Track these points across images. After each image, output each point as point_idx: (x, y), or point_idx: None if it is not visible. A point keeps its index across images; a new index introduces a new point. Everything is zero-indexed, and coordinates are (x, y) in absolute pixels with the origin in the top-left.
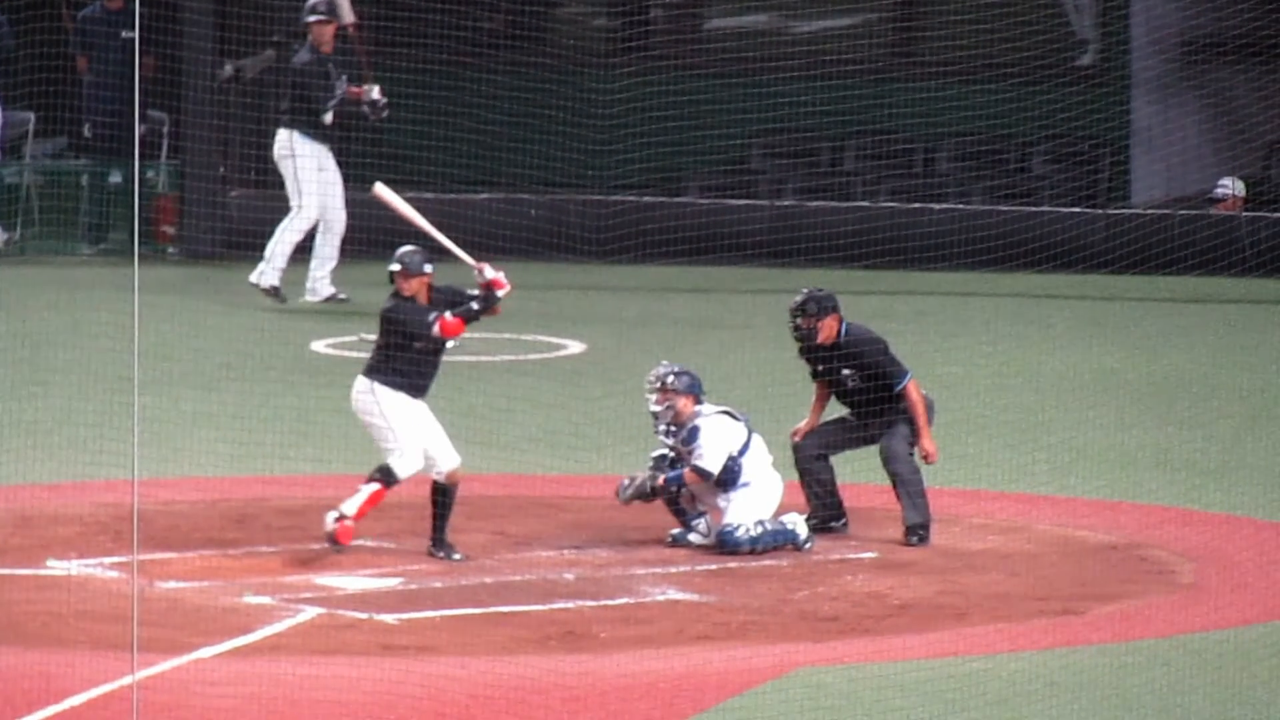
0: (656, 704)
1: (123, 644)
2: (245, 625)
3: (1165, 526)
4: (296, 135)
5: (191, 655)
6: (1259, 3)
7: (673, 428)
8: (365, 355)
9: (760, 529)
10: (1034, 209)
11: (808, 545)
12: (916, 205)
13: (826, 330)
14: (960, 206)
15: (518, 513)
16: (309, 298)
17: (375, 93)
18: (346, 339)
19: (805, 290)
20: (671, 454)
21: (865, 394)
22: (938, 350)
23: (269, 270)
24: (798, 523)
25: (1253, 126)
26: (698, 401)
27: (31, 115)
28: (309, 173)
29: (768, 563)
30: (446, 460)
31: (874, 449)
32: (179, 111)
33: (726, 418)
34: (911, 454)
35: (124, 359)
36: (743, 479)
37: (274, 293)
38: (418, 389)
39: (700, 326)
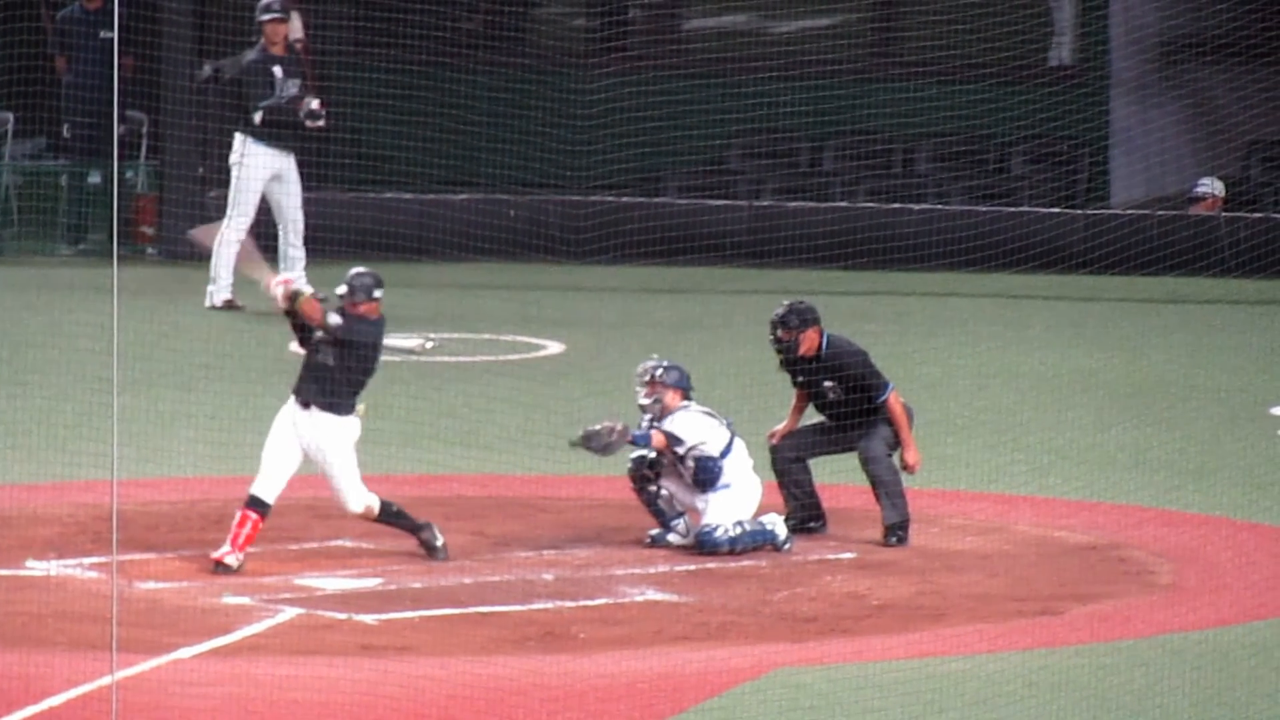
0: (635, 705)
1: (102, 644)
2: (224, 626)
3: (1144, 527)
4: (249, 141)
5: (171, 656)
6: (1237, 3)
7: (656, 421)
8: None
9: (739, 529)
10: (1013, 209)
11: (787, 546)
12: (895, 205)
13: (808, 343)
14: (939, 207)
15: (497, 513)
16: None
17: (314, 104)
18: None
19: (786, 303)
20: (650, 454)
21: (846, 405)
22: (916, 351)
23: (216, 289)
24: (777, 523)
25: (1231, 127)
26: (685, 397)
27: (10, 115)
28: (247, 182)
29: (746, 563)
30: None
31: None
32: (158, 112)
33: (709, 417)
34: (890, 455)
35: (103, 359)
36: (723, 480)
37: (229, 306)
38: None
39: (679, 327)
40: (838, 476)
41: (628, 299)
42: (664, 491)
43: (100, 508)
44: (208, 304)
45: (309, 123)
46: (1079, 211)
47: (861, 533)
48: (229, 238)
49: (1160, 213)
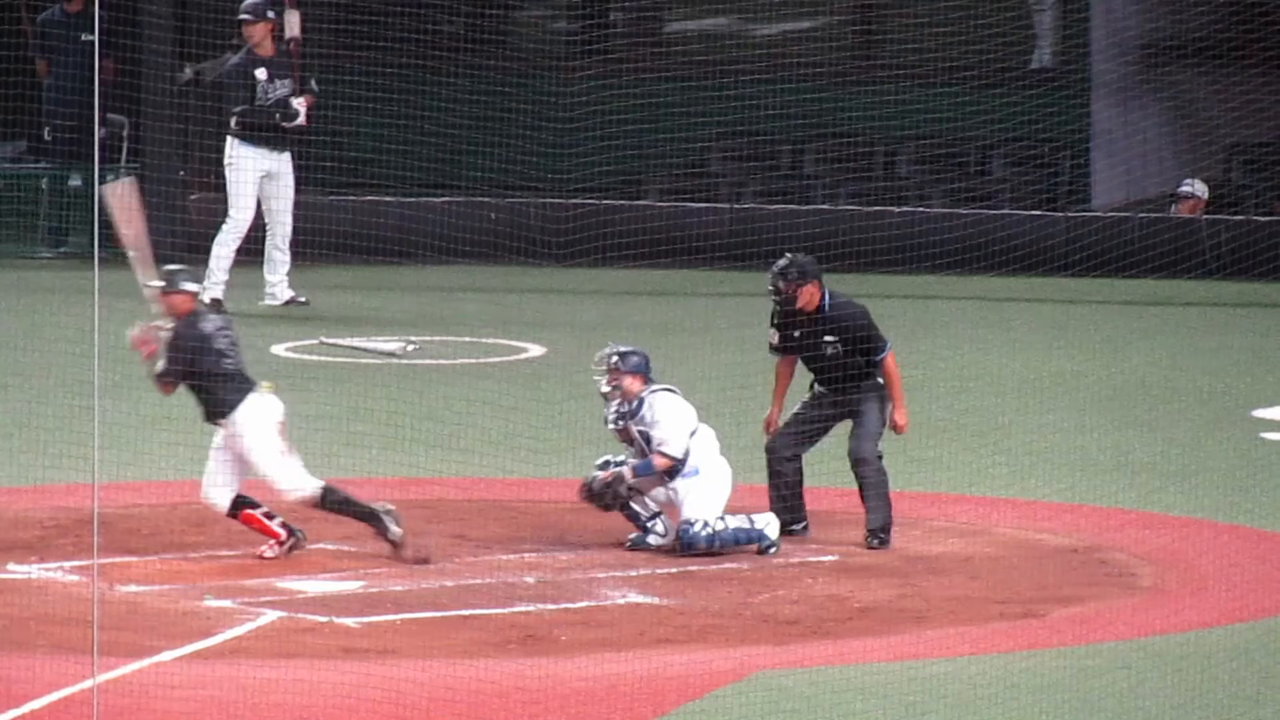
0: (617, 707)
1: (83, 648)
2: (206, 629)
3: (1126, 529)
4: (235, 142)
5: (152, 659)
6: (1218, 5)
7: (624, 407)
8: (326, 359)
9: (721, 524)
10: (994, 212)
11: (772, 550)
12: (877, 208)
13: (806, 296)
14: (920, 209)
15: (478, 516)
16: (269, 302)
17: (296, 103)
18: (306, 342)
19: (787, 255)
20: (618, 459)
21: (842, 363)
22: (898, 353)
23: (210, 285)
24: (770, 524)
25: (1213, 129)
26: (646, 382)
27: None
28: (241, 184)
29: (728, 566)
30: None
31: (843, 438)
32: (139, 115)
33: (676, 396)
34: (880, 456)
35: (84, 362)
36: (689, 465)
37: (216, 305)
38: None
39: (660, 330)
40: (820, 479)
41: (609, 302)
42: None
43: (81, 511)
44: (207, 299)
45: (284, 124)
46: (1060, 214)
47: (843, 535)
48: (224, 238)
49: (1141, 215)
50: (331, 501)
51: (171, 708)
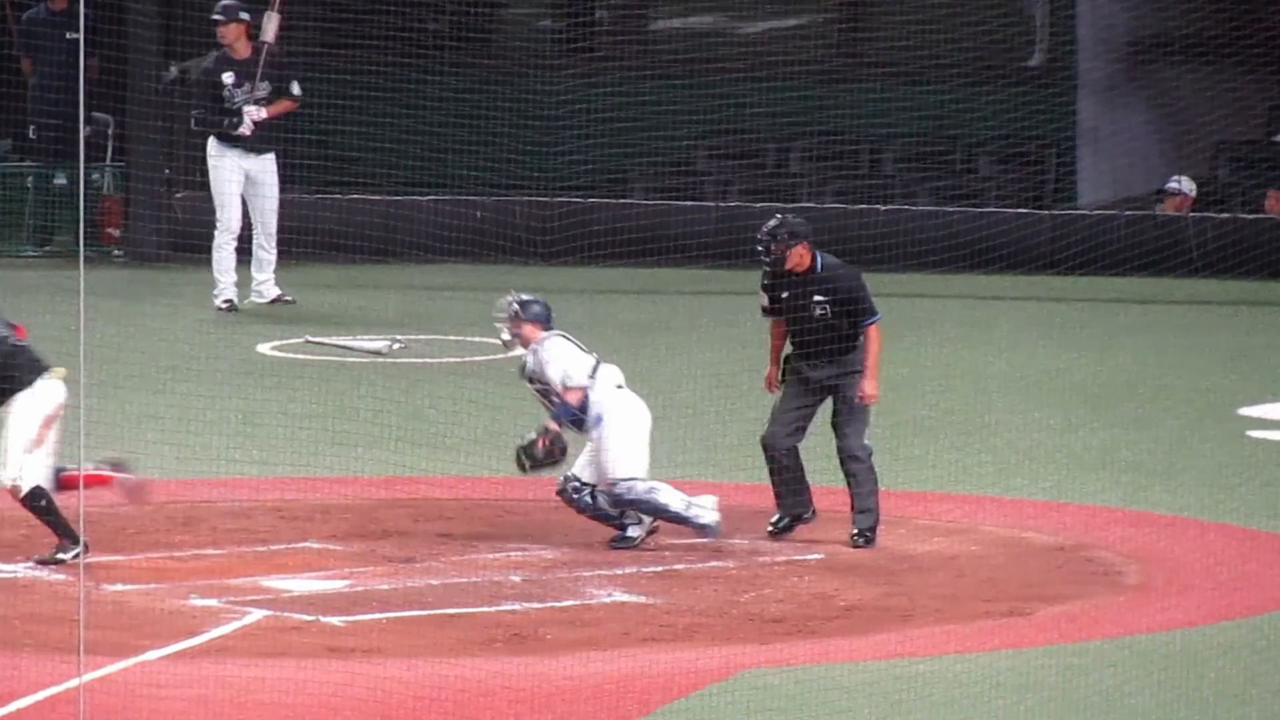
0: (602, 706)
1: (69, 647)
2: (191, 628)
3: (1112, 527)
4: (214, 144)
5: (138, 658)
6: (1205, 3)
7: (528, 360)
8: (311, 357)
9: (650, 491)
10: (980, 210)
11: (710, 533)
12: (862, 206)
13: (796, 258)
14: (906, 208)
15: (463, 514)
16: (255, 300)
17: (253, 110)
18: (292, 341)
19: (777, 215)
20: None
21: (830, 327)
22: (883, 352)
23: (218, 292)
24: (708, 508)
25: (1199, 127)
26: (546, 330)
27: None
28: (222, 185)
29: (713, 564)
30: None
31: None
32: (124, 114)
33: (571, 343)
34: (871, 455)
35: (69, 361)
36: (592, 413)
37: (230, 307)
38: None
39: (646, 328)
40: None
41: (594, 300)
42: (593, 492)
43: (67, 510)
44: (216, 308)
45: (229, 131)
46: (1046, 212)
47: (829, 533)
48: (218, 240)
49: (1128, 213)
50: (35, 504)
51: (158, 707)
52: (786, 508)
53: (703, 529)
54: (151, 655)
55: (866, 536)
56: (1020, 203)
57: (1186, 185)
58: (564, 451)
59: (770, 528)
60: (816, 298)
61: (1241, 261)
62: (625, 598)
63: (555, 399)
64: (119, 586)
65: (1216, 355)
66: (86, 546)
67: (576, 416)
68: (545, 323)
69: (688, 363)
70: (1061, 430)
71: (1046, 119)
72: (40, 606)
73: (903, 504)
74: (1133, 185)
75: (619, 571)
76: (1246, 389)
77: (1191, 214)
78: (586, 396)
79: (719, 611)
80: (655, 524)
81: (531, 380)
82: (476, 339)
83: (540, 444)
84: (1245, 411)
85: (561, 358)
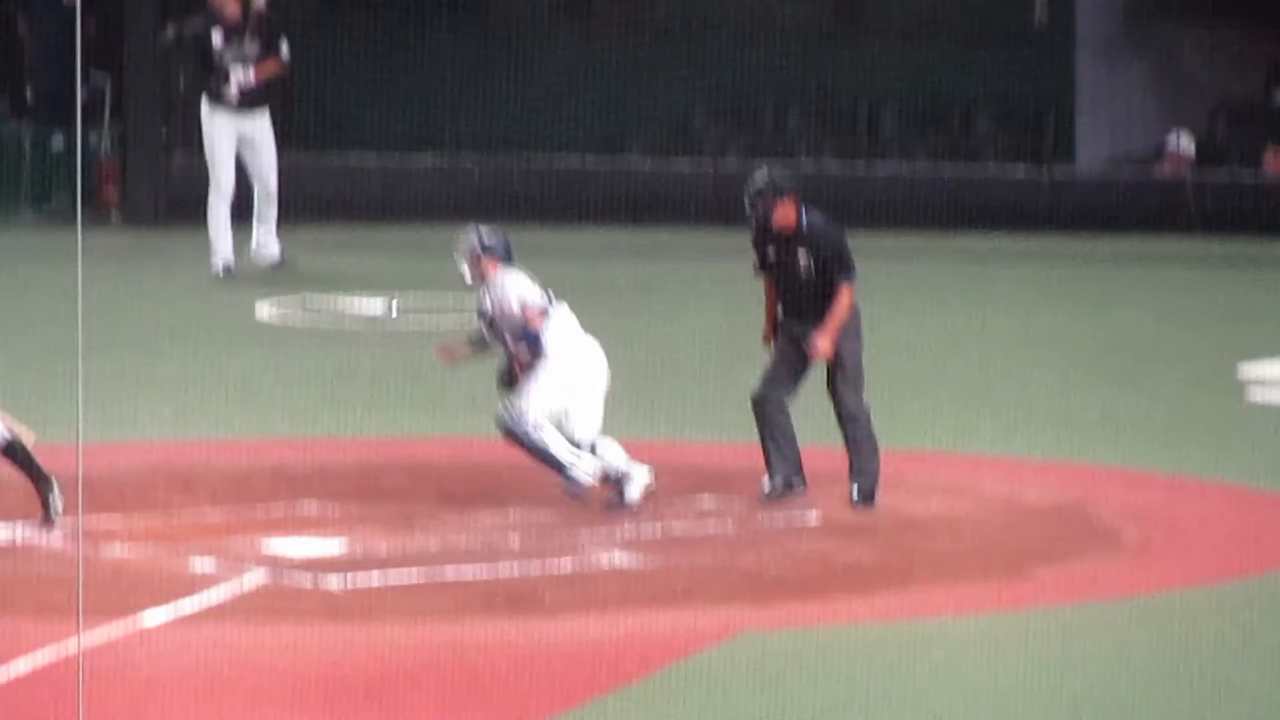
0: (602, 668)
1: (67, 609)
2: (190, 589)
3: (1111, 488)
4: (207, 106)
5: (137, 620)
6: None
7: (485, 300)
8: (308, 319)
9: (536, 428)
10: (979, 170)
11: (578, 488)
12: (860, 166)
13: (783, 213)
14: (904, 167)
15: (462, 476)
16: (256, 260)
17: (240, 74)
18: (289, 303)
19: (764, 169)
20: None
21: (815, 283)
22: (882, 312)
23: (214, 256)
24: (636, 476)
25: (1198, 87)
26: (504, 266)
27: None
28: (215, 148)
29: (712, 526)
30: None
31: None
32: (121, 75)
33: (528, 278)
34: (868, 414)
35: (67, 323)
36: (544, 349)
37: (227, 271)
38: None
39: (643, 289)
40: (804, 438)
41: (591, 262)
42: (539, 431)
43: (65, 472)
44: (212, 273)
45: (216, 93)
46: (1045, 172)
47: (827, 494)
48: (211, 202)
49: (1127, 173)
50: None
51: (156, 669)
52: (777, 471)
53: (571, 485)
54: (150, 618)
55: (866, 497)
56: (1019, 162)
57: (1185, 143)
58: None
59: (765, 495)
60: (801, 254)
61: (1241, 220)
62: (624, 559)
63: (509, 340)
64: (117, 548)
65: (1216, 314)
66: (51, 482)
67: (536, 341)
68: (506, 258)
69: (686, 323)
70: (1060, 390)
71: (1045, 78)
72: (38, 568)
73: (902, 464)
74: (1131, 144)
75: (618, 533)
76: (1246, 348)
77: (1191, 172)
78: (545, 321)
79: (718, 572)
80: (601, 476)
81: (491, 323)
82: (473, 300)
83: (514, 373)
84: (1245, 371)
85: (520, 286)
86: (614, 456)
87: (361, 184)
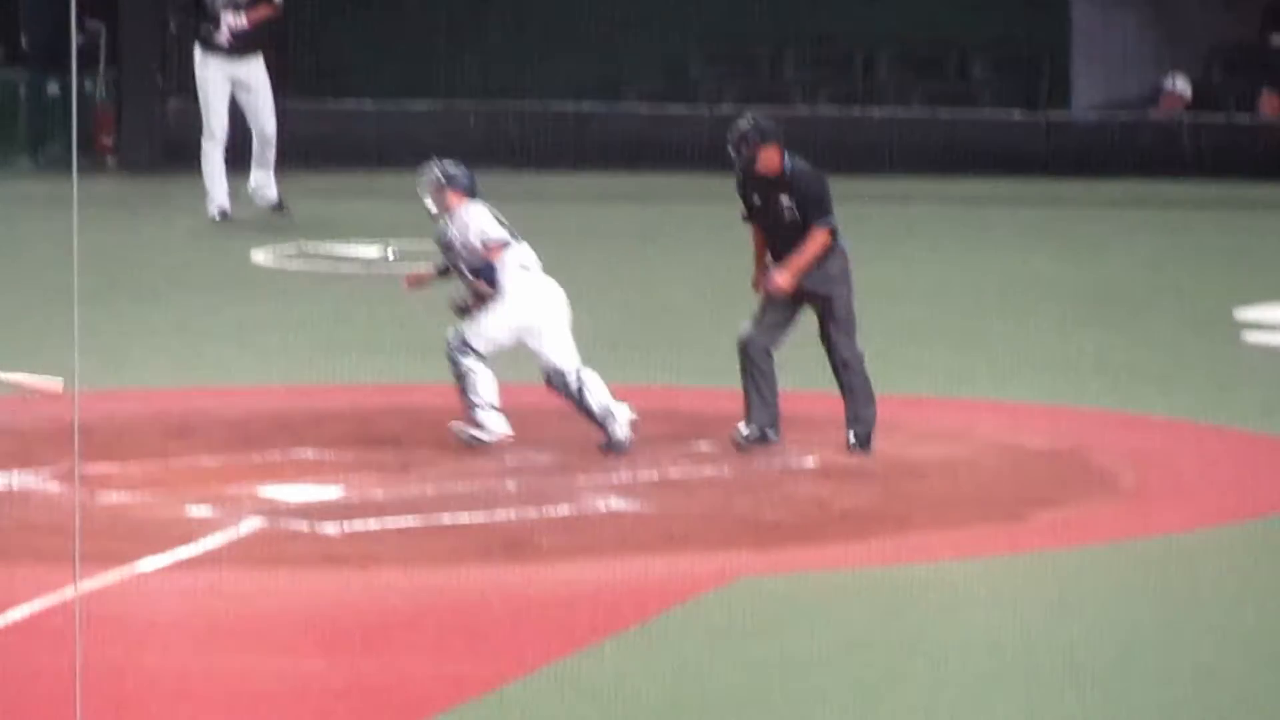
0: (599, 613)
1: (64, 556)
2: (187, 537)
3: (1107, 432)
4: (199, 52)
5: (133, 567)
6: None
7: (446, 228)
8: (305, 265)
9: (469, 370)
10: (974, 114)
11: (478, 441)
12: (856, 110)
13: (766, 158)
14: (900, 111)
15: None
16: (256, 201)
17: (230, 18)
18: (286, 249)
19: (748, 115)
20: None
21: (800, 230)
22: (877, 257)
23: (209, 202)
24: (498, 425)
25: (1194, 30)
26: (468, 199)
27: None
28: (208, 94)
29: (709, 471)
30: None
31: (816, 338)
32: (116, 21)
33: (491, 212)
34: (862, 360)
35: (63, 271)
36: (498, 284)
37: (223, 216)
38: None
39: (640, 235)
40: (803, 382)
41: (588, 207)
42: (470, 366)
43: (62, 419)
44: (208, 218)
45: (206, 39)
46: (1041, 116)
47: (824, 438)
48: (205, 149)
49: (1122, 116)
50: None
51: (153, 616)
52: (754, 419)
53: (474, 431)
54: (147, 564)
55: (863, 443)
56: (1015, 106)
57: (1181, 85)
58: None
59: (739, 440)
60: (784, 200)
61: (1237, 163)
62: (621, 504)
63: (468, 272)
64: (114, 495)
65: (1212, 258)
66: None
67: (493, 273)
68: (469, 192)
69: (682, 268)
70: (1057, 335)
71: (1041, 22)
72: (35, 516)
73: (898, 409)
74: (1127, 88)
75: (614, 478)
76: (1242, 292)
77: (1186, 116)
78: (504, 254)
79: (715, 518)
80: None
81: (449, 248)
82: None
83: (471, 302)
84: (1241, 314)
85: (480, 219)
86: (598, 393)
87: (358, 130)
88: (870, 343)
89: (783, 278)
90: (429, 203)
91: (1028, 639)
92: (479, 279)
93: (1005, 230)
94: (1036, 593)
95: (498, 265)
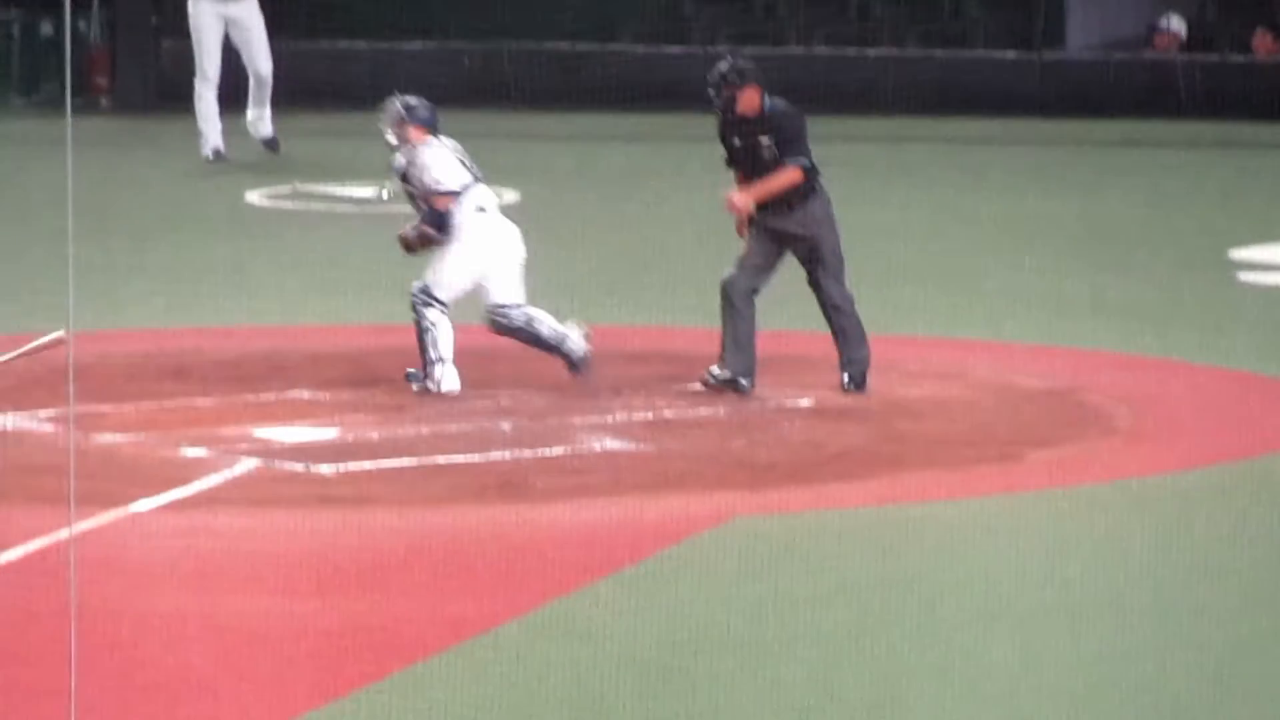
0: (594, 553)
1: (59, 497)
2: (182, 477)
3: (1102, 371)
4: None
5: (128, 508)
6: None
7: (404, 158)
8: (299, 206)
9: (426, 318)
10: (969, 54)
11: (428, 388)
12: (851, 50)
13: (746, 100)
14: (895, 51)
15: (455, 362)
16: (252, 134)
17: None
18: (280, 189)
19: (727, 57)
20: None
21: (779, 168)
22: (872, 197)
23: (203, 142)
24: (450, 377)
25: None
26: (431, 134)
27: None
28: (200, 35)
29: (704, 411)
30: None
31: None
32: None
33: (451, 153)
34: (852, 301)
35: (57, 211)
36: (454, 224)
37: (217, 156)
38: None
39: (635, 174)
40: (795, 323)
41: (583, 147)
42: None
43: (56, 360)
44: (202, 158)
45: None
46: (1035, 56)
47: (818, 379)
48: (198, 90)
49: (1117, 56)
50: None
51: (148, 556)
52: (729, 364)
53: (428, 383)
54: (142, 505)
55: (857, 383)
56: (1009, 46)
57: (1176, 23)
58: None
59: (709, 380)
60: (764, 140)
61: (1232, 104)
62: (616, 445)
63: (423, 204)
64: (109, 436)
65: (1206, 198)
66: None
67: (443, 222)
68: (430, 127)
69: (676, 208)
70: (1051, 274)
71: None
72: (30, 457)
73: (893, 349)
74: (1122, 28)
75: (609, 419)
76: (1237, 231)
77: (1181, 55)
78: (455, 203)
79: (710, 458)
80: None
81: (405, 179)
82: None
83: (415, 241)
84: (1235, 254)
85: (438, 163)
86: (546, 320)
87: (353, 71)
88: (865, 283)
89: (741, 198)
90: (389, 136)
91: (1022, 578)
92: (425, 224)
93: (1000, 170)
94: (1031, 532)
95: (453, 208)
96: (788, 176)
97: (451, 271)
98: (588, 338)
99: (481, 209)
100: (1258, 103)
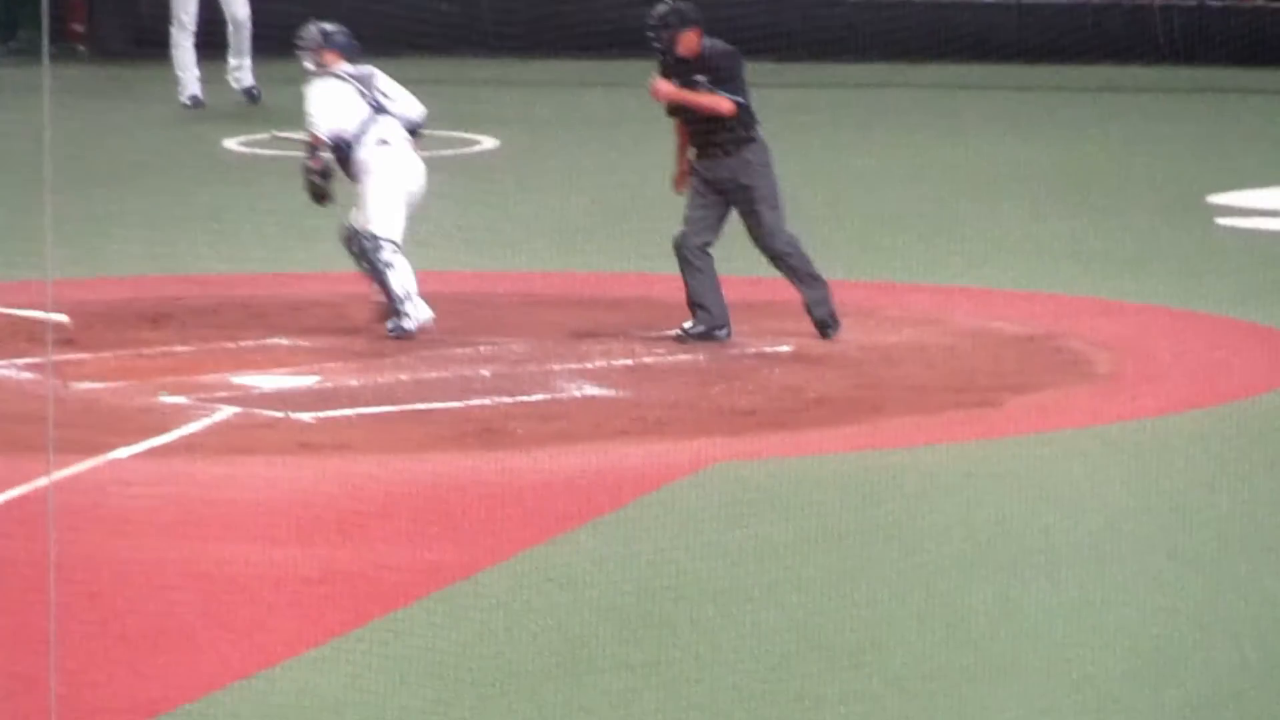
0: (574, 500)
1: (38, 445)
2: (161, 425)
3: (1081, 317)
4: None
5: (107, 456)
6: None
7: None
8: (278, 152)
9: (386, 265)
10: None
11: (404, 331)
12: None
13: (686, 43)
14: None
15: (434, 309)
16: (232, 84)
17: None
18: (258, 136)
19: (667, 1)
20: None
21: (718, 116)
22: (851, 143)
23: (181, 89)
24: (415, 312)
25: None
26: (345, 60)
27: None
28: None
29: (683, 358)
30: None
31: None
32: None
33: (349, 87)
34: (796, 242)
35: (35, 159)
36: (359, 162)
37: (195, 103)
38: None
39: (614, 121)
40: (769, 269)
41: (562, 93)
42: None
43: (35, 308)
44: (180, 102)
45: None
46: (1012, 1)
47: (798, 326)
48: (174, 38)
49: (1095, 0)
50: None
51: (127, 504)
52: (700, 321)
53: (398, 322)
54: (121, 453)
55: (827, 324)
56: None
57: None
58: (330, 179)
59: (680, 334)
60: (697, 77)
61: (1209, 49)
62: (596, 391)
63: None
64: (88, 384)
65: (1184, 143)
66: None
67: (347, 153)
68: (348, 54)
69: (656, 154)
70: (1030, 220)
71: None
72: (8, 405)
73: (872, 295)
74: None
75: (589, 365)
76: (1215, 177)
77: (1158, 1)
78: (329, 144)
79: (689, 405)
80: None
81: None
82: (443, 133)
83: (312, 165)
84: (1214, 199)
85: (324, 98)
86: (404, 278)
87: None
88: (844, 229)
89: (665, 85)
90: (308, 62)
91: (1002, 524)
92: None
93: (977, 116)
94: (1010, 477)
95: (352, 142)
96: (718, 100)
97: (377, 206)
98: (426, 328)
99: (384, 141)
100: (1236, 48)
